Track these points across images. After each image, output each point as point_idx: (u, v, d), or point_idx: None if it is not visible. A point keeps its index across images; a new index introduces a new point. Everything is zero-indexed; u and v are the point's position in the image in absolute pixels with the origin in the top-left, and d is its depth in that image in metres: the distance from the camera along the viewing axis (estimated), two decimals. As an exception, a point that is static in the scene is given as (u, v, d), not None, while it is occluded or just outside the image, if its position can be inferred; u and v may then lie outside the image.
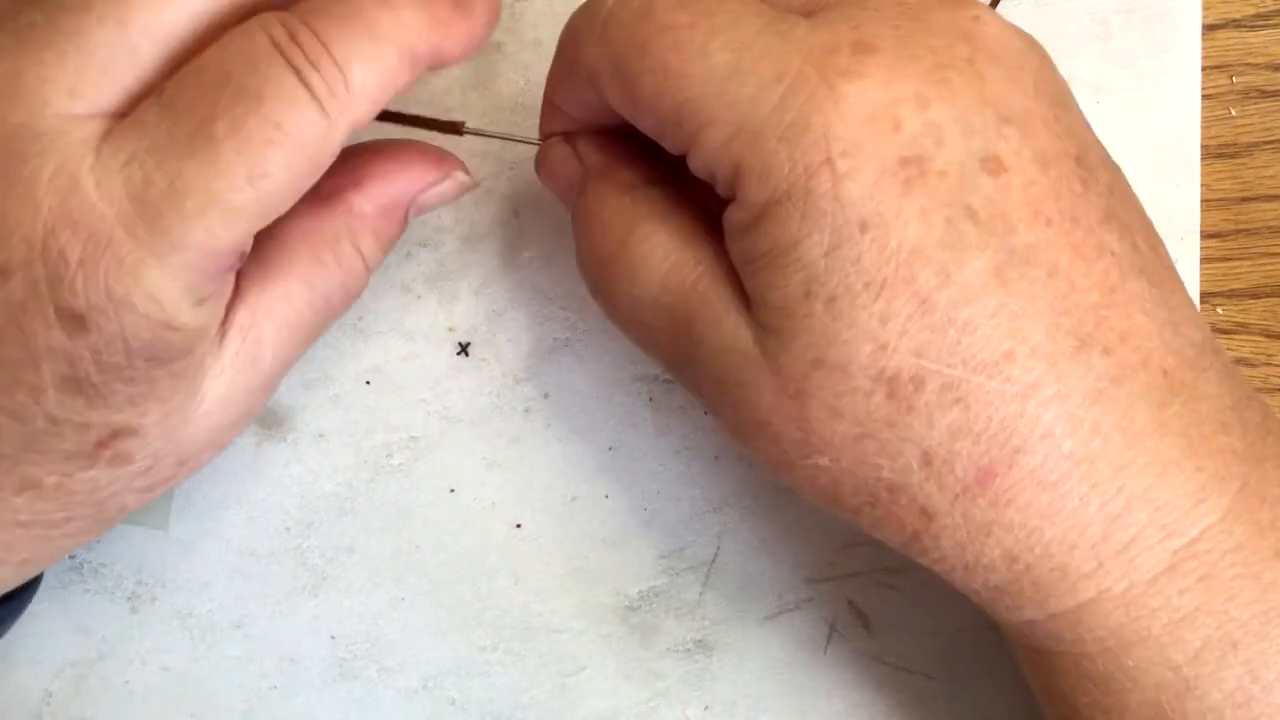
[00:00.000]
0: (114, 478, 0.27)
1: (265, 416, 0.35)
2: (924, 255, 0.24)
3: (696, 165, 0.26)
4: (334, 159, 0.25)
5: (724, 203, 0.26)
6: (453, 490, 0.35)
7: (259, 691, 0.35)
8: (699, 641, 0.35)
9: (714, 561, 0.35)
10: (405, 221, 0.30)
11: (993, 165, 0.24)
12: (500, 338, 0.35)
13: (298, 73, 0.24)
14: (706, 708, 0.35)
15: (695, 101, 0.25)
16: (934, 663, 0.35)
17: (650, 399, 0.35)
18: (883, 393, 0.24)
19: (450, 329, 0.35)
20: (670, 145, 0.27)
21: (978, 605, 0.27)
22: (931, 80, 0.25)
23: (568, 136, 0.30)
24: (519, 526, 0.35)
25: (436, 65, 0.26)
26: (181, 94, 0.24)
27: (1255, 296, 0.35)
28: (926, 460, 0.25)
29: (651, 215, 0.28)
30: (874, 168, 0.24)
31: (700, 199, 0.28)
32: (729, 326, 0.26)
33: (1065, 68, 0.27)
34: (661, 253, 0.27)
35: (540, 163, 0.31)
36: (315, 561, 0.35)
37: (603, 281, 0.28)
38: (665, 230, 0.27)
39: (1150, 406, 0.25)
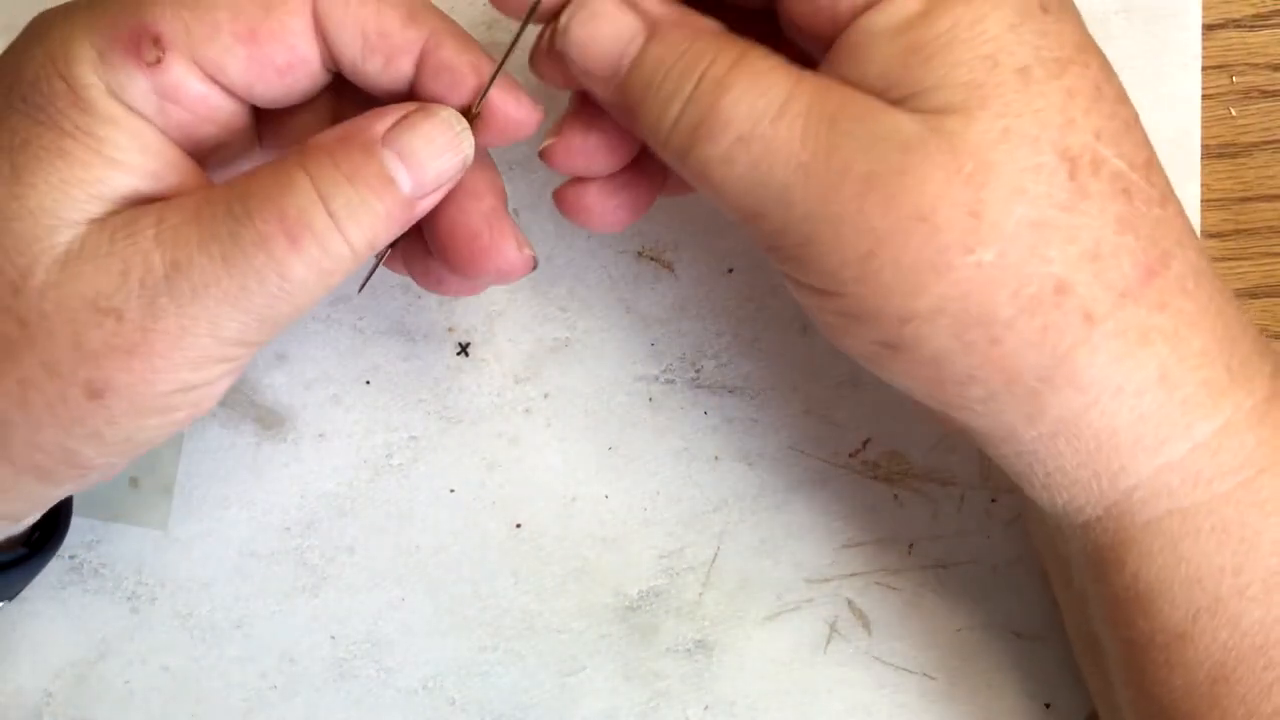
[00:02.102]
0: None
1: (265, 416, 0.35)
2: (1092, 52, 0.26)
3: None
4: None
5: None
6: (453, 490, 0.35)
7: (259, 691, 0.35)
8: (699, 641, 0.35)
9: (714, 561, 0.35)
10: (379, 160, 0.26)
11: None
12: (500, 338, 0.35)
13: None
14: (706, 708, 0.35)
15: None
16: (934, 663, 0.35)
17: (650, 399, 0.35)
18: (1066, 171, 0.24)
19: (450, 329, 0.35)
20: None
21: (1097, 460, 0.26)
22: None
23: None
24: (519, 526, 0.35)
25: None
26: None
27: (1255, 296, 0.35)
28: (1096, 253, 0.25)
29: (754, 44, 0.26)
30: None
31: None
32: (882, 116, 0.25)
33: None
34: (785, 66, 0.26)
35: (573, 28, 0.27)
36: (315, 561, 0.35)
37: (713, 111, 0.26)
38: (776, 55, 0.26)
39: None
